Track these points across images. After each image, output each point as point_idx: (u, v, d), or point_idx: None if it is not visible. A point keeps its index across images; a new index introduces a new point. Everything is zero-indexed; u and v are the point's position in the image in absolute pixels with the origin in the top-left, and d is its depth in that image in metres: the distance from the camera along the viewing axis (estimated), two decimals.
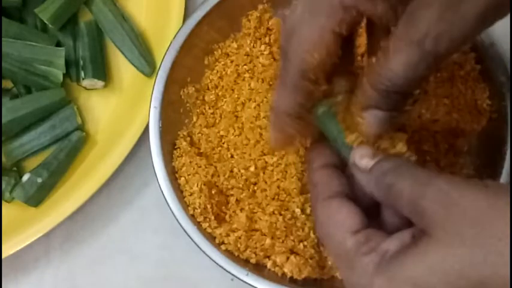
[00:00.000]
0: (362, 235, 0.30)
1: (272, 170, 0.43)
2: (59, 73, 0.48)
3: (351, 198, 0.32)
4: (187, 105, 0.46)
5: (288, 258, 0.42)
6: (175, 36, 0.45)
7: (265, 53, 0.46)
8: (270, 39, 0.47)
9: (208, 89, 0.47)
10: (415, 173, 0.29)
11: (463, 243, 0.26)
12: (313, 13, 0.31)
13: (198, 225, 0.42)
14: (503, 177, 0.42)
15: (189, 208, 0.43)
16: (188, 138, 0.45)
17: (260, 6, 0.47)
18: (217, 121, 0.46)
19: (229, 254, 0.42)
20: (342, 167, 0.34)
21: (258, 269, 0.42)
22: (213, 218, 0.42)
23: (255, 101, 0.45)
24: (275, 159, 0.43)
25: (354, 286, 0.30)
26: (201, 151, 0.45)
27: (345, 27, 0.31)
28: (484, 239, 0.26)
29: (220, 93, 0.46)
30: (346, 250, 0.30)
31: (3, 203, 0.48)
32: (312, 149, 0.36)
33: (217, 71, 0.47)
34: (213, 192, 0.43)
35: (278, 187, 0.43)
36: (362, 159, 0.32)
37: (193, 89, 0.46)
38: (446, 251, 0.26)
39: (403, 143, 0.32)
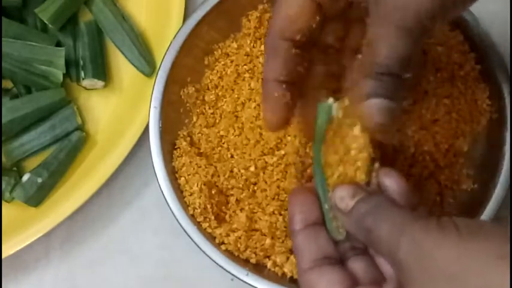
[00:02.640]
0: None
1: (272, 170, 0.43)
2: (59, 73, 0.48)
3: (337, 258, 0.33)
4: (187, 105, 0.46)
5: (288, 258, 0.42)
6: (175, 36, 0.45)
7: None
8: None
9: (208, 89, 0.47)
10: (391, 216, 0.29)
11: None
12: None
13: (198, 225, 0.42)
14: (503, 177, 0.42)
15: (189, 208, 0.43)
16: (188, 138, 0.45)
17: (260, 6, 0.47)
18: (217, 121, 0.46)
19: (229, 254, 0.42)
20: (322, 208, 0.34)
21: (258, 269, 0.42)
22: (213, 218, 0.42)
23: (255, 101, 0.45)
24: (275, 159, 0.43)
25: None
26: (201, 151, 0.45)
27: None
28: None
29: (220, 93, 0.46)
30: None
31: (3, 203, 0.48)
32: (293, 200, 0.35)
33: (217, 71, 0.47)
34: (213, 192, 0.43)
35: (278, 187, 0.43)
36: (342, 201, 0.32)
37: (193, 89, 0.46)
38: None
39: (365, 174, 0.32)
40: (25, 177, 0.47)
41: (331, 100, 0.34)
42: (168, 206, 0.43)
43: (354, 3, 0.34)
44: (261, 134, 0.44)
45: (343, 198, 0.32)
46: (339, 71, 0.36)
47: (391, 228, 0.29)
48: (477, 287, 0.25)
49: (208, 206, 0.42)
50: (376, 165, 0.32)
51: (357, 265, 0.33)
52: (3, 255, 0.46)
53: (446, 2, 0.29)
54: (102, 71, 0.50)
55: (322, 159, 0.34)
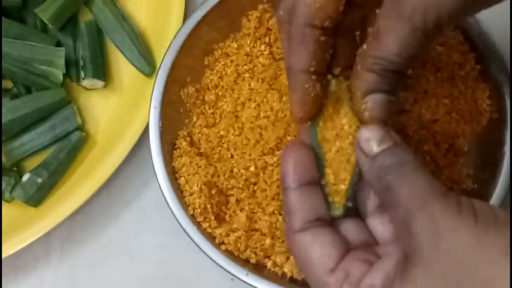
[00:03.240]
0: (341, 272, 0.30)
1: (272, 170, 0.43)
2: (59, 73, 0.48)
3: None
4: (187, 105, 0.46)
5: (288, 258, 0.42)
6: (175, 36, 0.45)
7: (265, 53, 0.46)
8: (270, 39, 0.47)
9: (208, 89, 0.47)
10: (415, 182, 0.28)
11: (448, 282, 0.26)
12: None
13: (198, 225, 0.42)
14: (503, 177, 0.42)
15: (189, 208, 0.43)
16: (188, 138, 0.45)
17: (260, 6, 0.47)
18: (217, 121, 0.46)
19: (229, 254, 0.42)
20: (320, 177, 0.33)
21: (258, 269, 0.42)
22: (213, 218, 0.42)
23: (255, 101, 0.45)
24: (275, 159, 0.43)
25: None
26: (201, 151, 0.45)
27: None
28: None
29: (220, 93, 0.46)
30: None
31: (3, 203, 0.48)
32: (288, 154, 0.33)
33: (217, 71, 0.47)
34: (213, 192, 0.43)
35: (278, 187, 0.43)
36: (368, 142, 0.30)
37: (193, 89, 0.46)
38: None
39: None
40: (25, 177, 0.47)
41: (329, 76, 0.34)
42: (168, 206, 0.43)
43: None
44: (261, 134, 0.44)
45: (369, 140, 0.30)
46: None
47: (411, 195, 0.28)
48: (482, 277, 0.25)
49: (208, 206, 0.42)
50: None
51: (348, 226, 0.32)
52: (3, 255, 0.46)
53: (469, 2, 0.29)
54: (102, 71, 0.50)
55: (319, 135, 0.33)
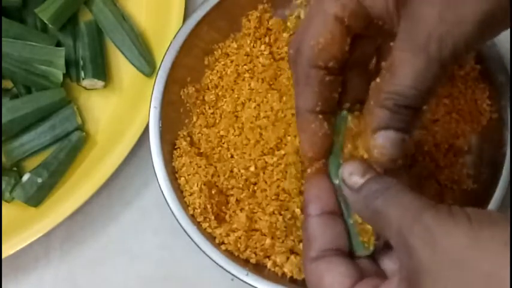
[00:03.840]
0: None
1: (272, 170, 0.43)
2: (59, 73, 0.48)
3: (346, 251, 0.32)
4: (187, 105, 0.46)
5: (288, 258, 0.42)
6: (175, 36, 0.45)
7: (265, 53, 0.46)
8: (270, 39, 0.47)
9: (208, 89, 0.47)
10: (403, 201, 0.28)
11: None
12: (318, 1, 0.32)
13: (198, 225, 0.42)
14: (503, 177, 0.42)
15: (189, 208, 0.43)
16: (188, 138, 0.45)
17: (260, 6, 0.47)
18: (217, 121, 0.46)
19: (229, 254, 0.42)
20: (345, 215, 0.33)
21: (258, 269, 0.42)
22: (213, 218, 0.42)
23: (255, 101, 0.45)
24: (275, 159, 0.43)
25: None
26: (201, 151, 0.45)
27: (347, 13, 0.31)
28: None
29: (220, 93, 0.46)
30: None
31: (3, 203, 0.48)
32: (313, 185, 0.33)
33: (217, 71, 0.47)
34: (213, 192, 0.43)
35: (278, 187, 0.43)
36: (351, 176, 0.30)
37: (193, 89, 0.46)
38: None
39: None
40: (25, 177, 0.47)
41: (344, 112, 0.33)
42: (168, 206, 0.43)
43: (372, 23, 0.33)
44: (261, 134, 0.44)
45: (352, 174, 0.30)
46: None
47: (402, 213, 0.28)
48: (485, 272, 0.25)
49: (208, 206, 0.42)
50: None
51: (363, 262, 0.32)
52: (3, 255, 0.46)
53: (485, 30, 0.28)
54: (102, 71, 0.50)
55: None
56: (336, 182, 0.33)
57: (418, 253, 0.27)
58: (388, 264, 0.32)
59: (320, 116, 0.33)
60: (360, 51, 0.34)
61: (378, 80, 0.30)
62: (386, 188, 0.29)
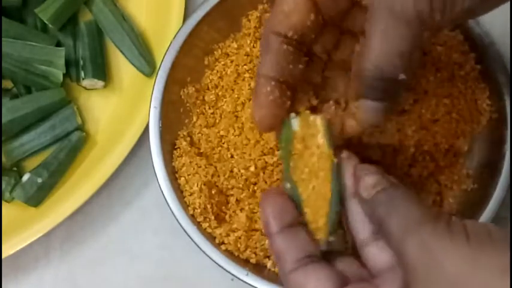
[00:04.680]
0: None
1: (272, 170, 0.43)
2: (59, 73, 0.48)
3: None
4: (187, 105, 0.46)
5: None
6: (175, 36, 0.45)
7: None
8: None
9: (208, 89, 0.47)
10: (403, 211, 0.29)
11: None
12: None
13: (198, 225, 0.42)
14: (503, 177, 0.42)
15: (189, 208, 0.43)
16: (188, 138, 0.45)
17: (260, 6, 0.47)
18: (217, 121, 0.46)
19: (229, 254, 0.42)
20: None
21: (258, 269, 0.42)
22: (213, 218, 0.42)
23: None
24: (275, 159, 0.43)
25: None
26: (201, 151, 0.45)
27: None
28: None
29: (220, 93, 0.46)
30: None
31: (3, 203, 0.48)
32: (265, 203, 0.33)
33: (217, 71, 0.47)
34: (213, 192, 0.43)
35: (278, 187, 0.43)
36: (365, 191, 0.31)
37: (193, 89, 0.46)
38: None
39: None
40: (25, 177, 0.47)
41: (292, 115, 0.34)
42: (168, 206, 0.43)
43: (354, 6, 0.34)
44: (261, 134, 0.44)
45: (366, 188, 0.31)
46: (321, 82, 0.36)
47: (400, 225, 0.28)
48: None
49: (208, 206, 0.42)
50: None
51: (342, 264, 0.32)
52: (3, 255, 0.46)
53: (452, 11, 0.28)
54: (102, 71, 0.50)
55: (293, 176, 0.33)
56: (288, 186, 0.33)
57: (413, 267, 0.27)
58: (376, 256, 0.31)
59: (273, 83, 0.33)
60: (342, 49, 0.35)
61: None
62: (391, 199, 0.30)
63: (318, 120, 0.33)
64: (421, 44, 0.30)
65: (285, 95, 0.33)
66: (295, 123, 0.33)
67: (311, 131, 0.33)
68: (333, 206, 0.32)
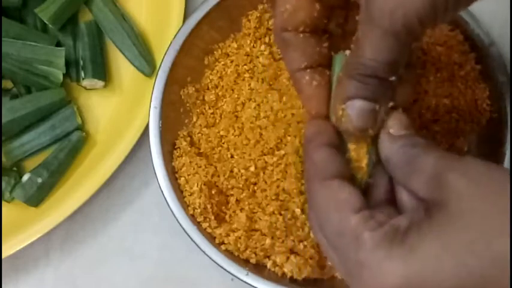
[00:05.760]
0: (367, 212, 0.29)
1: (272, 170, 0.43)
2: (59, 73, 0.48)
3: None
4: (187, 105, 0.46)
5: (288, 258, 0.42)
6: (175, 36, 0.45)
7: (265, 53, 0.46)
8: (270, 39, 0.47)
9: (208, 89, 0.47)
10: (439, 153, 0.29)
11: (477, 222, 0.26)
12: None
13: (198, 225, 0.42)
14: None
15: (189, 208, 0.43)
16: (188, 138, 0.45)
17: (260, 6, 0.47)
18: (217, 121, 0.46)
19: (229, 254, 0.42)
20: (343, 151, 0.33)
21: (258, 269, 0.42)
22: (213, 218, 0.42)
23: (255, 101, 0.45)
24: (275, 159, 0.43)
25: (361, 266, 0.28)
26: (201, 151, 0.45)
27: None
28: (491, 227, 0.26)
29: (220, 93, 0.46)
30: (351, 228, 0.29)
31: (3, 203, 0.48)
32: (312, 125, 0.34)
33: (217, 71, 0.47)
34: (213, 192, 0.43)
35: (278, 187, 0.43)
36: (394, 124, 0.31)
37: (193, 89, 0.46)
38: (460, 227, 0.26)
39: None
40: (25, 177, 0.47)
41: (347, 51, 0.33)
42: (168, 206, 0.43)
43: None
44: (261, 134, 0.44)
45: (396, 123, 0.31)
46: None
47: (441, 157, 0.29)
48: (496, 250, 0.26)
49: (208, 206, 0.42)
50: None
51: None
52: (3, 255, 0.46)
53: (438, 5, 0.28)
54: (102, 71, 0.50)
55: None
56: (333, 119, 0.33)
57: (454, 183, 0.27)
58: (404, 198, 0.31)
59: (308, 70, 0.33)
60: (353, 21, 0.34)
61: (346, 52, 0.32)
62: (428, 143, 0.30)
63: None
64: (409, 51, 0.30)
65: (324, 73, 0.34)
66: (342, 58, 0.33)
67: None
68: (372, 148, 0.32)
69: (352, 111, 0.31)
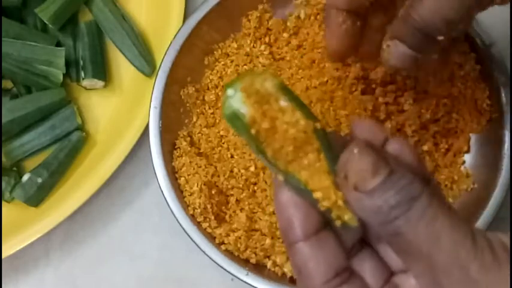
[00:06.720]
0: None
1: None
2: (59, 73, 0.48)
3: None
4: (187, 105, 0.46)
5: (288, 258, 0.42)
6: (175, 36, 0.45)
7: (265, 53, 0.46)
8: (270, 39, 0.47)
9: (208, 89, 0.47)
10: (433, 229, 0.24)
11: None
12: None
13: (198, 225, 0.42)
14: (503, 177, 0.42)
15: (189, 208, 0.43)
16: (188, 138, 0.45)
17: (260, 6, 0.47)
18: (217, 121, 0.46)
19: (229, 254, 0.42)
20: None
21: (258, 269, 0.42)
22: (213, 218, 0.42)
23: None
24: None
25: None
26: (201, 151, 0.45)
27: None
28: None
29: (220, 93, 0.46)
30: None
31: (3, 203, 0.48)
32: (279, 205, 0.27)
33: (217, 71, 0.47)
34: (213, 192, 0.43)
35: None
36: (358, 173, 0.24)
37: (193, 89, 0.46)
38: None
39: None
40: (25, 177, 0.47)
41: (229, 91, 0.26)
42: (168, 206, 0.43)
43: None
44: None
45: (360, 172, 0.24)
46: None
47: (434, 246, 0.23)
48: None
49: (208, 206, 0.42)
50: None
51: (365, 266, 0.27)
52: (3, 255, 0.46)
53: None
54: (102, 71, 0.50)
55: (278, 164, 0.26)
56: (280, 178, 0.26)
57: (444, 269, 0.23)
58: (392, 255, 0.27)
59: (344, 13, 0.34)
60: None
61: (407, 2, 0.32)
62: (409, 204, 0.24)
63: (267, 84, 0.26)
64: (466, 19, 0.31)
65: (355, 25, 0.35)
66: (237, 102, 0.26)
67: (266, 99, 0.26)
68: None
69: (395, 50, 0.32)
